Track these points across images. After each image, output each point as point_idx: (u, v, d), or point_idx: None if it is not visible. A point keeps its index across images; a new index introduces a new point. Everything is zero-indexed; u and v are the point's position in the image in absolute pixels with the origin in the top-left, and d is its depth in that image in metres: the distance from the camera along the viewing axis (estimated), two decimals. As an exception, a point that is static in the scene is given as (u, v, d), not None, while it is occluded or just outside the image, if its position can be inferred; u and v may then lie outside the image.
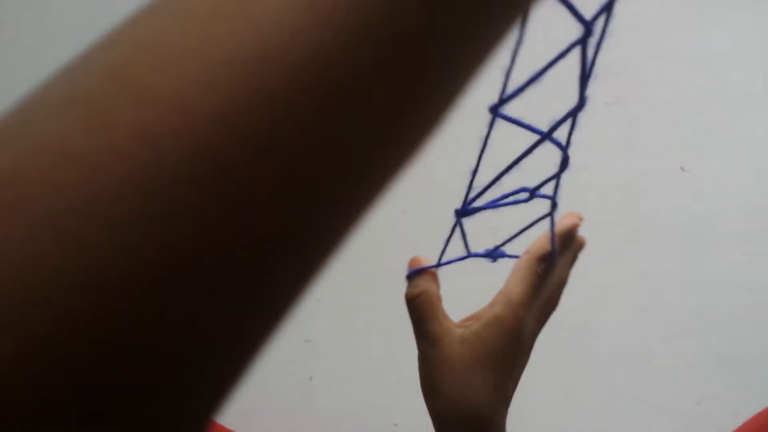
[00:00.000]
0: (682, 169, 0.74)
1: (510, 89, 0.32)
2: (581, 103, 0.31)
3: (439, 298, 0.39)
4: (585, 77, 0.32)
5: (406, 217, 0.72)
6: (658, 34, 0.79)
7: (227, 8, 0.13)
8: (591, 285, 0.71)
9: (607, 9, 0.29)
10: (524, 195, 0.41)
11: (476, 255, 0.46)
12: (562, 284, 0.42)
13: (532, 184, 0.41)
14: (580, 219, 0.43)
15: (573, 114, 0.33)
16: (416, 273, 0.41)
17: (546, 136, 0.36)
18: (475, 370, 0.38)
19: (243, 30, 0.13)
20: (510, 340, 0.38)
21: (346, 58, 0.13)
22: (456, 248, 0.41)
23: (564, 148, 0.36)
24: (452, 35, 0.15)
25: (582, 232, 0.72)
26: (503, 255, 0.47)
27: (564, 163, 0.37)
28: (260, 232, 0.12)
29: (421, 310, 0.39)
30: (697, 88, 0.77)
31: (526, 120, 0.35)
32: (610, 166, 0.74)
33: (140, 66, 0.13)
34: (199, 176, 0.12)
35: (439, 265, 0.43)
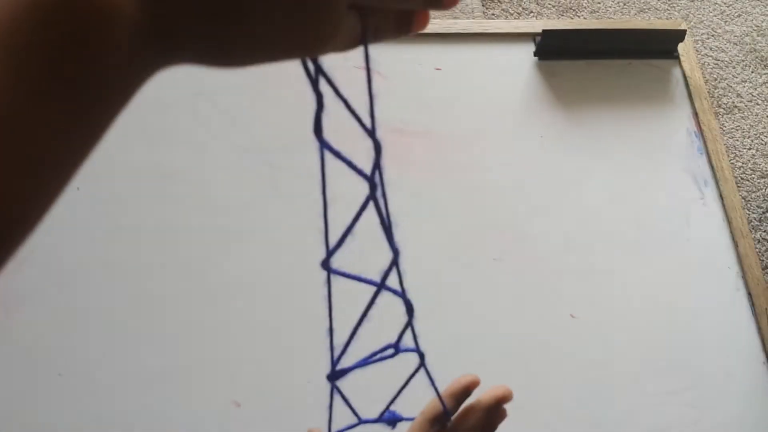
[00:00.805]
0: (572, 316, 0.76)
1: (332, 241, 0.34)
2: (395, 252, 0.33)
3: None
4: (387, 228, 0.34)
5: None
6: (541, 192, 0.84)
7: None
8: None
9: (377, 165, 0.32)
10: (390, 351, 0.42)
11: (368, 421, 0.46)
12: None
13: (392, 334, 0.42)
14: (507, 394, 0.47)
15: (394, 263, 0.35)
16: None
17: (381, 286, 0.37)
18: None
19: None
20: None
21: None
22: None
23: (401, 295, 0.38)
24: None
25: (478, 387, 0.73)
26: (399, 418, 0.47)
27: (410, 310, 0.39)
28: None
29: None
30: (577, 240, 0.81)
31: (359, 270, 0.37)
32: (500, 319, 0.76)
33: None
34: None
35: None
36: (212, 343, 0.72)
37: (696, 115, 0.92)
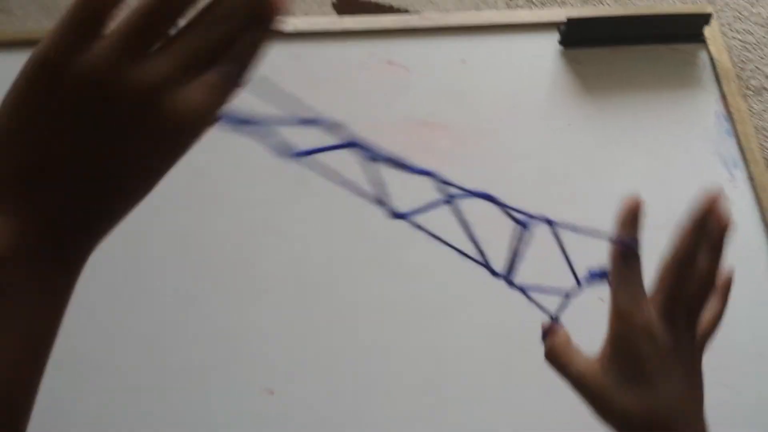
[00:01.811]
0: (601, 300, 0.76)
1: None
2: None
3: (566, 343, 0.45)
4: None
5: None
6: (569, 180, 0.84)
7: None
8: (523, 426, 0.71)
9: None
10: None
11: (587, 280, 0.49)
12: (710, 274, 0.43)
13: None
14: (717, 198, 0.44)
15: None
16: (545, 334, 0.47)
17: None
18: (621, 384, 0.41)
19: None
20: (629, 346, 0.41)
21: None
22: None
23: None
24: None
25: (511, 373, 0.73)
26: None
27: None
28: None
29: (558, 362, 0.44)
30: (609, 226, 0.81)
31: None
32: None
33: None
34: None
35: (556, 318, 0.48)
36: (244, 334, 0.74)
37: (724, 97, 0.92)
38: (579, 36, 0.93)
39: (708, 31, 0.97)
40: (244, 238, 0.79)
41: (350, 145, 0.37)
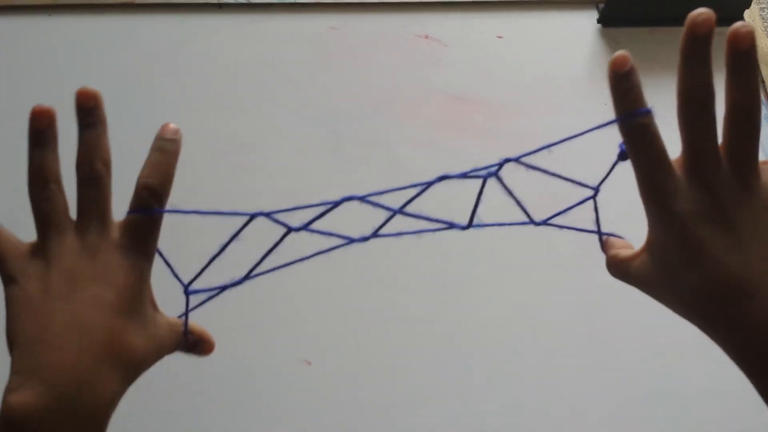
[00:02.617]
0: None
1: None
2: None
3: (623, 252, 0.45)
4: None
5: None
6: (605, 160, 0.84)
7: None
8: (558, 404, 0.72)
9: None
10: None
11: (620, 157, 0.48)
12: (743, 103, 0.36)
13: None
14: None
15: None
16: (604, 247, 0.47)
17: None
18: (677, 271, 0.38)
19: None
20: (667, 225, 0.39)
21: None
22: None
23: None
24: None
25: (545, 352, 0.74)
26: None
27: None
28: None
29: (618, 273, 0.44)
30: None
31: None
32: (569, 285, 0.76)
33: None
34: None
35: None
36: (281, 305, 0.74)
37: (762, 81, 0.91)
38: (617, 15, 0.92)
39: (747, 15, 0.96)
40: (278, 206, 0.79)
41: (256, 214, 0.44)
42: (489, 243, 0.78)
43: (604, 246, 0.47)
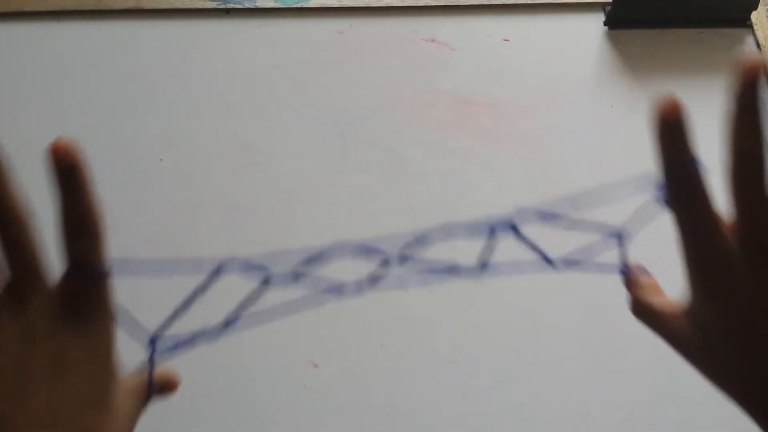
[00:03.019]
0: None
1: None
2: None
3: (654, 294, 0.39)
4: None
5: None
6: (611, 163, 0.84)
7: None
8: (567, 408, 0.72)
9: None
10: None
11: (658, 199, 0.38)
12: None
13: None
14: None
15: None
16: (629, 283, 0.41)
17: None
18: (725, 347, 0.34)
19: None
20: (713, 295, 0.34)
21: None
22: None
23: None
24: None
25: (553, 356, 0.74)
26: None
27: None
28: None
29: (647, 319, 0.39)
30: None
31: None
32: (575, 287, 0.76)
33: None
34: None
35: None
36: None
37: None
38: (624, 17, 0.92)
39: (755, 16, 0.96)
40: (286, 209, 0.80)
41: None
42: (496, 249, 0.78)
43: (629, 283, 0.41)
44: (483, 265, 0.40)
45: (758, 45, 0.94)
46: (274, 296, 0.39)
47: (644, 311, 0.39)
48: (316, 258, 0.39)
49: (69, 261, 0.33)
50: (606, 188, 0.40)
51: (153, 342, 0.37)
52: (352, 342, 0.73)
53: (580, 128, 0.86)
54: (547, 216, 0.40)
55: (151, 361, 0.37)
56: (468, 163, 0.83)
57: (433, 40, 0.91)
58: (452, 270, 0.41)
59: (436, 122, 0.85)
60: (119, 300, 0.37)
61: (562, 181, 0.82)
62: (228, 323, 0.38)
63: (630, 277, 0.41)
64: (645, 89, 0.89)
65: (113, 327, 0.35)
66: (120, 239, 0.76)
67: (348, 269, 0.41)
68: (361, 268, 0.42)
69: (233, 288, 0.39)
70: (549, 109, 0.87)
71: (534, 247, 0.40)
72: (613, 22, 0.92)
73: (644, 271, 0.41)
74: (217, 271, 0.34)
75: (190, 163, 0.82)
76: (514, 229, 0.39)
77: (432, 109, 0.86)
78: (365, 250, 0.39)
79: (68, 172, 0.33)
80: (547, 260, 0.41)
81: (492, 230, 0.39)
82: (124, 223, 0.77)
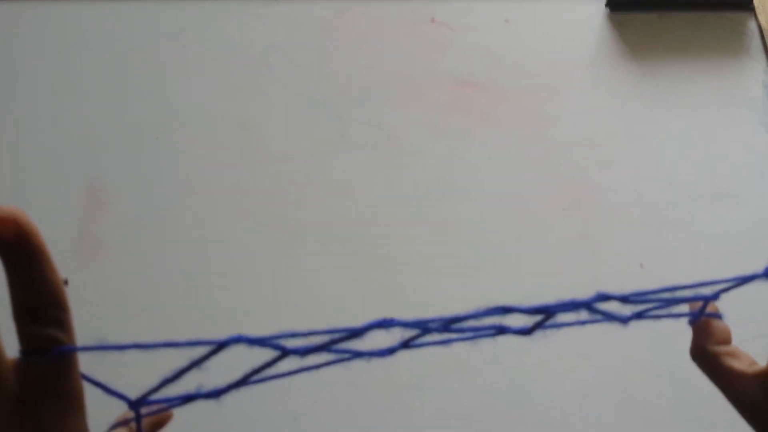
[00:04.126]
0: (641, 266, 0.76)
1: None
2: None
3: (725, 346, 0.38)
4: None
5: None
6: (611, 145, 0.83)
7: None
8: (563, 388, 0.71)
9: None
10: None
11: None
12: None
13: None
14: None
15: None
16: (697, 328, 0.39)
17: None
18: None
19: None
20: None
21: None
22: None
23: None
24: None
25: (553, 339, 0.73)
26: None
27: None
28: None
29: (713, 371, 0.38)
30: (648, 192, 0.80)
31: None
32: (570, 269, 0.76)
33: None
34: None
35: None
36: (286, 283, 0.74)
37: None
38: (626, 0, 0.92)
39: (757, 0, 0.95)
40: (283, 191, 0.79)
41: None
42: (493, 230, 0.78)
43: (700, 331, 0.40)
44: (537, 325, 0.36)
45: (760, 29, 0.93)
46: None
47: (708, 360, 0.38)
48: (345, 337, 0.33)
49: (25, 346, 0.29)
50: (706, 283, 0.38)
51: (138, 406, 0.33)
52: (350, 320, 0.73)
53: (580, 110, 0.85)
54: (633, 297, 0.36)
55: (138, 424, 0.33)
56: (466, 145, 0.83)
57: (432, 20, 0.90)
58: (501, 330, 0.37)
59: (435, 103, 0.85)
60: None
61: (561, 164, 0.82)
62: (233, 386, 0.33)
63: (700, 321, 0.39)
64: (646, 72, 0.89)
65: (80, 413, 0.30)
66: (115, 216, 0.77)
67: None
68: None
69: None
70: (549, 91, 0.86)
71: (609, 316, 0.37)
72: (614, 5, 0.92)
73: (718, 317, 0.39)
74: (222, 346, 0.29)
75: (187, 143, 0.82)
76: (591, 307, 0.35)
77: (431, 91, 0.86)
78: (407, 324, 0.34)
79: (16, 247, 0.27)
80: (620, 319, 0.38)
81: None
82: (120, 200, 0.77)
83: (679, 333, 0.74)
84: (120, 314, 0.72)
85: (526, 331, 0.35)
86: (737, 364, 0.37)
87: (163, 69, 0.86)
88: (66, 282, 0.73)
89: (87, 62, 0.87)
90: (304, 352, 0.32)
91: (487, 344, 0.72)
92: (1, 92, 0.84)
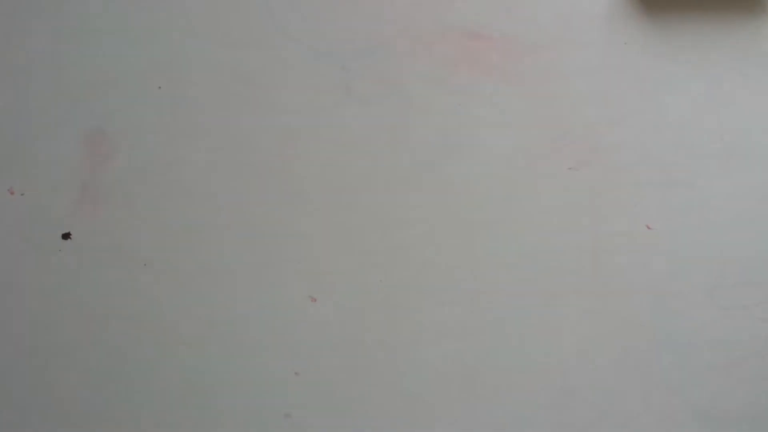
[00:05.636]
0: (648, 227, 0.76)
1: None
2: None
3: None
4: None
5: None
6: (622, 101, 0.82)
7: None
8: (563, 348, 0.72)
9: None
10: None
11: None
12: None
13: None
14: None
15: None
16: None
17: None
18: None
19: None
20: None
21: None
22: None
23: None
24: None
25: (551, 295, 0.73)
26: None
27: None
28: None
29: None
30: (657, 151, 0.79)
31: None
32: (576, 229, 0.75)
33: None
34: None
35: None
36: (288, 239, 0.74)
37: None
38: (642, -50, 0.89)
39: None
40: (286, 142, 0.78)
41: None
42: (498, 188, 0.77)
43: None
44: None
45: (780, -17, 0.90)
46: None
47: None
48: None
49: None
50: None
51: None
52: (352, 276, 0.73)
53: (592, 65, 0.83)
54: None
55: None
56: (474, 99, 0.81)
57: (441, -30, 0.88)
58: None
59: (442, 57, 0.83)
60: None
61: (571, 120, 0.80)
62: None
63: None
64: (659, 27, 0.86)
65: None
66: (116, 168, 0.76)
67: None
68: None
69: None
70: (560, 45, 0.84)
71: None
72: (630, -45, 0.89)
73: None
74: None
75: (189, 92, 0.80)
76: None
77: (439, 43, 0.84)
78: None
79: None
80: None
81: None
82: (121, 152, 0.76)
83: (678, 293, 0.74)
84: (122, 267, 0.73)
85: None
86: None
87: (165, 18, 0.85)
88: (69, 235, 0.73)
89: (87, 11, 0.85)
90: None
91: (486, 305, 0.73)
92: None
